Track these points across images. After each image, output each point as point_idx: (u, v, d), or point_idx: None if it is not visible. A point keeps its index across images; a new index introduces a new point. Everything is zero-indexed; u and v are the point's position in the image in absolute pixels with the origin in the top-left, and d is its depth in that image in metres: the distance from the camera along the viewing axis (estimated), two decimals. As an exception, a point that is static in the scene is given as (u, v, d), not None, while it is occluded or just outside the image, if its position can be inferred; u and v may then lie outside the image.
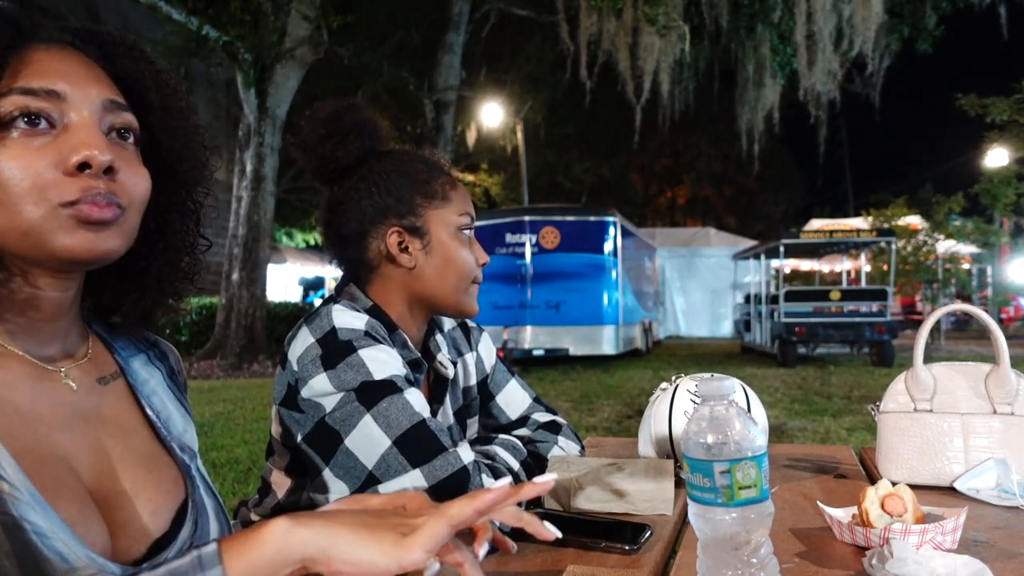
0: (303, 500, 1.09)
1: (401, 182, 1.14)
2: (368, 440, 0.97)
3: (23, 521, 0.58)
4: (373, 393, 0.99)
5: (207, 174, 0.82)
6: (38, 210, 0.64)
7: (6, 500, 0.58)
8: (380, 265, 1.16)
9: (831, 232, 12.32)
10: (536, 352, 10.92)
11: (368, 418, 0.97)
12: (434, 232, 1.15)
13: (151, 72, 0.76)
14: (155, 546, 0.70)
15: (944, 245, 15.76)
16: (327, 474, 1.02)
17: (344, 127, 1.13)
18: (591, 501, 1.08)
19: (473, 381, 1.33)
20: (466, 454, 0.98)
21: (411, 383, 1.04)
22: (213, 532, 0.77)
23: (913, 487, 0.94)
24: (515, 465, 1.09)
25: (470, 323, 1.39)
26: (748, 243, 18.22)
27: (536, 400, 1.38)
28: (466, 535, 0.66)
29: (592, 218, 11.62)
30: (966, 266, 17.97)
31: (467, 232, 1.19)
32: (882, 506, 0.90)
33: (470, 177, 19.67)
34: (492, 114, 15.69)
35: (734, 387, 0.78)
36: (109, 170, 0.66)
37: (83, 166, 0.65)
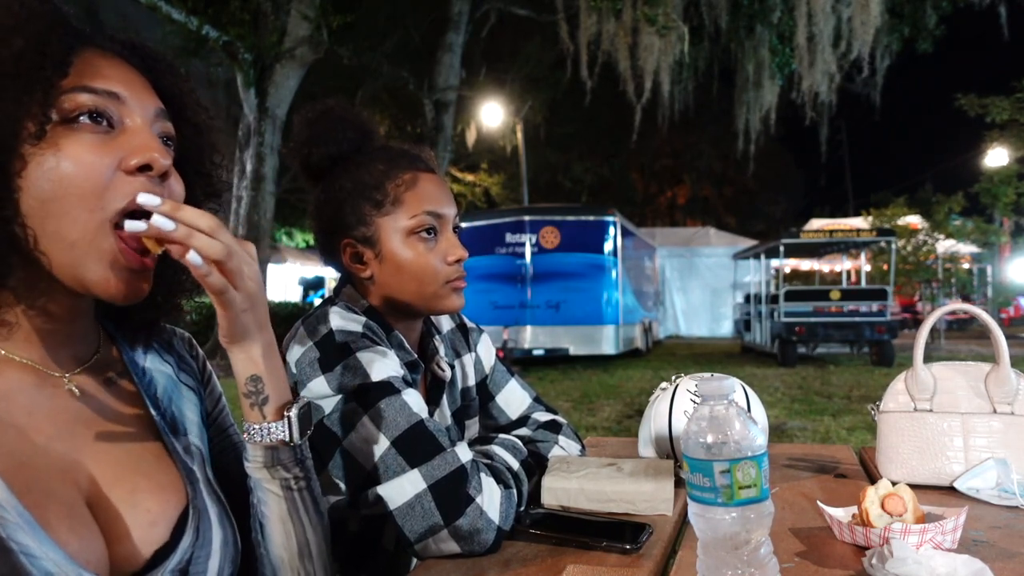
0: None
1: (353, 191, 1.12)
2: (366, 441, 0.97)
3: (10, 542, 0.58)
4: (371, 395, 0.98)
5: (220, 189, 0.86)
6: (93, 219, 0.66)
7: None
8: (352, 273, 1.16)
9: (831, 232, 12.32)
10: (536, 352, 10.92)
11: (366, 419, 0.97)
12: (384, 240, 1.12)
13: (187, 89, 0.79)
14: (156, 556, 0.70)
15: (944, 245, 15.77)
16: (325, 475, 1.02)
17: (313, 135, 1.14)
18: (591, 501, 1.07)
19: (472, 382, 1.32)
20: (464, 453, 0.98)
21: (408, 384, 1.04)
22: (216, 540, 0.76)
23: (913, 487, 0.94)
24: (515, 465, 1.08)
25: (469, 324, 1.38)
26: (748, 243, 18.20)
27: (536, 400, 1.38)
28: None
29: (592, 218, 11.62)
30: (966, 266, 17.98)
31: (427, 233, 1.12)
32: (882, 506, 0.90)
33: (470, 177, 19.67)
34: (492, 114, 15.68)
35: (734, 387, 0.78)
36: (163, 175, 0.70)
37: (143, 168, 0.68)
